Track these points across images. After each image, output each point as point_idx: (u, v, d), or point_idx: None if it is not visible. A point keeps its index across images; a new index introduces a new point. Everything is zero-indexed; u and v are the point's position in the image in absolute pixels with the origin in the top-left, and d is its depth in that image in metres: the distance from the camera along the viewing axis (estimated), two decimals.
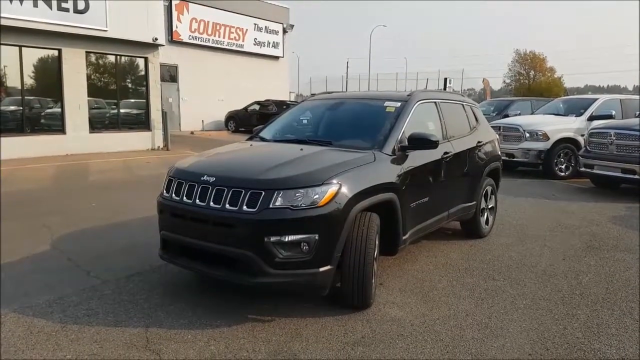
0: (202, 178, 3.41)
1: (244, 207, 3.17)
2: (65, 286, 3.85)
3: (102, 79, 14.33)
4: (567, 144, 10.04)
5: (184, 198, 3.46)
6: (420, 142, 4.01)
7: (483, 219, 5.48)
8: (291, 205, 3.14)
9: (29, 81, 12.53)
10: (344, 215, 3.25)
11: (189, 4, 22.86)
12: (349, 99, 5.32)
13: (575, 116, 10.56)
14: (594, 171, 8.49)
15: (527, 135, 10.16)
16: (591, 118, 10.22)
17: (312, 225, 3.14)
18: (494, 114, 14.30)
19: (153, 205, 3.83)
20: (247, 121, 22.11)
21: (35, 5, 11.67)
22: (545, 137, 9.99)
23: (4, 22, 11.17)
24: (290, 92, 30.59)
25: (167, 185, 3.70)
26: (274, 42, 27.65)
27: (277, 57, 28.09)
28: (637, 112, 10.19)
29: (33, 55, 12.49)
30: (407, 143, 4.01)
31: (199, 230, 3.36)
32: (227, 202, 3.23)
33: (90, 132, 13.48)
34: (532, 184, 9.42)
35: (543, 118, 11.01)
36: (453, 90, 24.77)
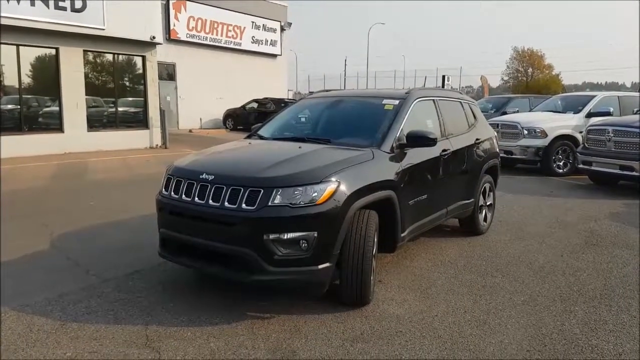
0: (200, 176, 3.42)
1: (243, 205, 3.17)
2: (65, 284, 3.85)
3: (100, 77, 14.29)
4: (565, 141, 10.05)
5: (183, 196, 3.46)
6: (419, 139, 4.02)
7: (481, 216, 5.50)
8: (290, 203, 3.14)
9: (26, 80, 12.51)
10: (342, 213, 3.26)
11: (187, 2, 22.83)
12: (348, 96, 5.32)
13: (573, 113, 10.57)
14: (592, 168, 8.52)
15: (526, 132, 10.17)
16: (589, 115, 10.23)
17: (311, 222, 3.15)
18: (492, 112, 14.32)
19: (152, 204, 3.83)
20: (245, 119, 22.11)
21: (33, 4, 11.62)
22: (544, 134, 10.00)
23: (2, 21, 11.13)
24: (288, 90, 30.59)
25: (165, 183, 3.70)
26: (271, 40, 27.62)
27: (275, 55, 28.08)
28: (635, 109, 10.21)
29: (30, 54, 12.46)
30: (405, 141, 4.02)
31: (198, 228, 3.37)
32: (226, 200, 3.24)
33: (88, 131, 13.46)
34: (531, 181, 9.43)
35: (541, 115, 11.01)
36: (451, 87, 24.75)
